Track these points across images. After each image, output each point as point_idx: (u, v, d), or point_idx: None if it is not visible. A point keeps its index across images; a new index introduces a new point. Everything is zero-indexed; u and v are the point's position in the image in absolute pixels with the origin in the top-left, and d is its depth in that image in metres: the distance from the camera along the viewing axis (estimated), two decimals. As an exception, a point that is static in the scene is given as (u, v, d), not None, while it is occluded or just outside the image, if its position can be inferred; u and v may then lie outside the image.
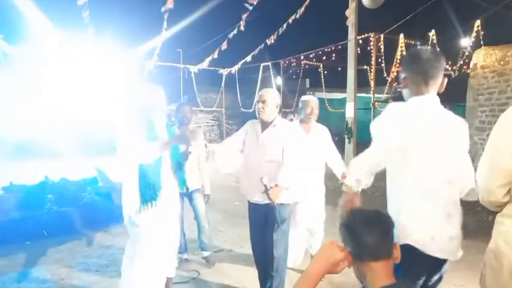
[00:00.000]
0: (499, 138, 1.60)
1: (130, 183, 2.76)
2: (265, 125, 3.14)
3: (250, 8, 7.78)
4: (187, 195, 4.17)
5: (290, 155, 3.02)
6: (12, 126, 10.70)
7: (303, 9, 8.86)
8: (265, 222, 3.06)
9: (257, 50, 11.94)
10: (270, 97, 3.10)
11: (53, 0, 9.60)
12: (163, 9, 6.87)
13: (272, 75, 19.75)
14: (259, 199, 3.01)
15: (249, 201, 3.21)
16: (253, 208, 3.17)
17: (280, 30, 9.84)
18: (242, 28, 8.70)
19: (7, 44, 9.85)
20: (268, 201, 2.94)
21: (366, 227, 1.43)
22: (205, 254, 4.24)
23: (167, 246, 2.95)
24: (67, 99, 11.69)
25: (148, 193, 2.76)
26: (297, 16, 8.93)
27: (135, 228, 2.78)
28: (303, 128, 3.82)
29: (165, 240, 2.91)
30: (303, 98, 3.98)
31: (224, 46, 10.77)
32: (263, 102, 3.09)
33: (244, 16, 8.33)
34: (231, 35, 9.62)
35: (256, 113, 3.16)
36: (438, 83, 1.90)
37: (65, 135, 10.36)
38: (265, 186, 2.80)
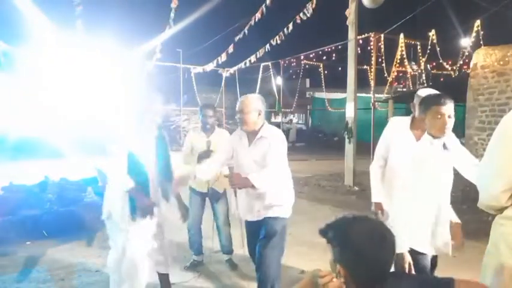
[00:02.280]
0: (506, 148, 1.56)
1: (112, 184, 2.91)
2: (251, 136, 2.84)
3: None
4: (210, 196, 4.03)
5: (272, 159, 2.73)
6: (12, 126, 10.69)
7: (310, 9, 8.83)
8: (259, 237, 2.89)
9: (261, 52, 11.87)
10: (249, 105, 2.78)
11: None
12: (172, 5, 6.91)
13: (272, 75, 19.75)
14: (253, 217, 2.90)
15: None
16: (248, 225, 3.06)
17: (286, 31, 9.82)
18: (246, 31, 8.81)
19: (6, 44, 9.85)
20: (260, 218, 2.84)
21: (381, 246, 1.12)
22: (227, 257, 4.14)
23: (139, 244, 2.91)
24: (67, 99, 11.69)
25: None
26: (304, 17, 8.91)
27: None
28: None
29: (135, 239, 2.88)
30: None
31: (230, 49, 10.84)
32: (241, 112, 2.77)
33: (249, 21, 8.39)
34: (236, 38, 9.64)
35: (239, 125, 2.86)
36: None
37: (65, 135, 10.35)
38: (230, 169, 2.72)
